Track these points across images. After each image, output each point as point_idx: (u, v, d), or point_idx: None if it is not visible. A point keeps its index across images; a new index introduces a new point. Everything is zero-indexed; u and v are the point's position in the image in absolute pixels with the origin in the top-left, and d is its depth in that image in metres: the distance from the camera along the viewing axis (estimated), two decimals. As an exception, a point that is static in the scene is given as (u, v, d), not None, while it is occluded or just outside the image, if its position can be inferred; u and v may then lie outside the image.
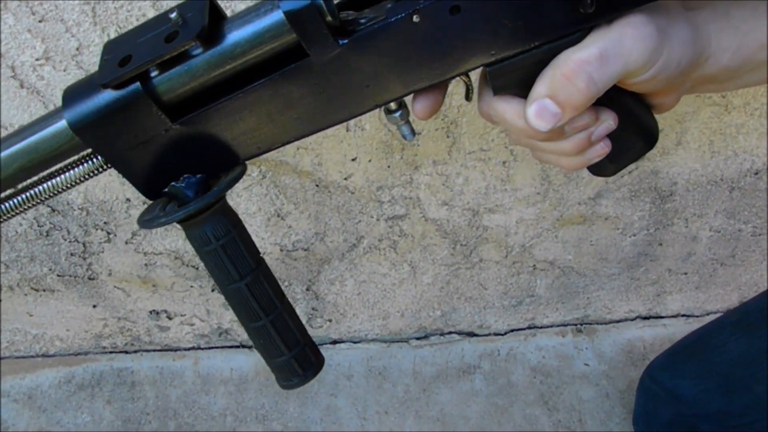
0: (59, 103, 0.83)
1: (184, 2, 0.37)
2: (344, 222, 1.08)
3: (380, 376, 1.35)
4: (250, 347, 1.41)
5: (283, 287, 1.34)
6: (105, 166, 0.42)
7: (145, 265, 1.17)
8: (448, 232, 1.12)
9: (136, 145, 0.40)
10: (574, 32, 0.37)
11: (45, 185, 0.43)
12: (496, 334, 1.39)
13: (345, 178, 1.00)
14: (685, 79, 0.42)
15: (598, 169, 0.50)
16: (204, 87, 0.38)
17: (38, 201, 0.44)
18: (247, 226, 1.03)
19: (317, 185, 1.01)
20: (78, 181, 0.43)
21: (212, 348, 1.41)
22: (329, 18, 0.35)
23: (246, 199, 1.03)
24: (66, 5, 0.74)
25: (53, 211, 1.03)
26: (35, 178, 0.43)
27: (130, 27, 0.75)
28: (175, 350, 1.42)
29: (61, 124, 0.39)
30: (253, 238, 0.46)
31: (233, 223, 0.43)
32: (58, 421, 1.34)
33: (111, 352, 1.43)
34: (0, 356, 1.43)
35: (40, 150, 0.41)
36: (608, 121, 0.43)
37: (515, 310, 1.34)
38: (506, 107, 0.41)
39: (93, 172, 0.42)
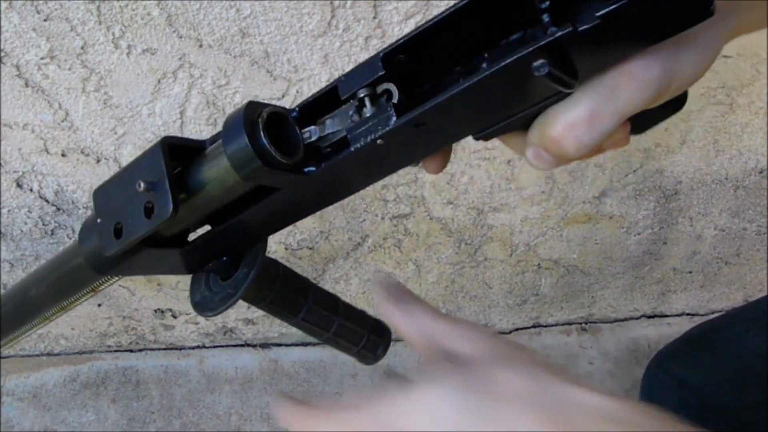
0: (64, 102, 0.84)
1: (141, 159, 0.38)
2: (349, 221, 1.08)
3: (385, 375, 1.34)
4: (254, 346, 1.41)
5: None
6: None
7: (150, 263, 1.17)
8: (453, 230, 1.12)
9: (158, 264, 0.45)
10: (556, 96, 0.32)
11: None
12: (500, 333, 1.39)
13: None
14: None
15: None
16: (199, 220, 0.42)
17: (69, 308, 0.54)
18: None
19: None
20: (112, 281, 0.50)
21: (217, 347, 1.41)
22: (284, 161, 0.35)
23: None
24: (71, 4, 0.74)
25: (58, 209, 1.03)
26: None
27: (134, 26, 0.76)
28: (180, 349, 1.42)
29: (81, 261, 0.45)
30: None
31: (273, 278, 0.49)
32: (62, 419, 1.34)
33: (116, 351, 1.43)
34: (3, 355, 1.44)
35: (67, 282, 0.50)
36: (618, 138, 0.37)
37: (520, 309, 1.34)
38: (505, 140, 0.39)
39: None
